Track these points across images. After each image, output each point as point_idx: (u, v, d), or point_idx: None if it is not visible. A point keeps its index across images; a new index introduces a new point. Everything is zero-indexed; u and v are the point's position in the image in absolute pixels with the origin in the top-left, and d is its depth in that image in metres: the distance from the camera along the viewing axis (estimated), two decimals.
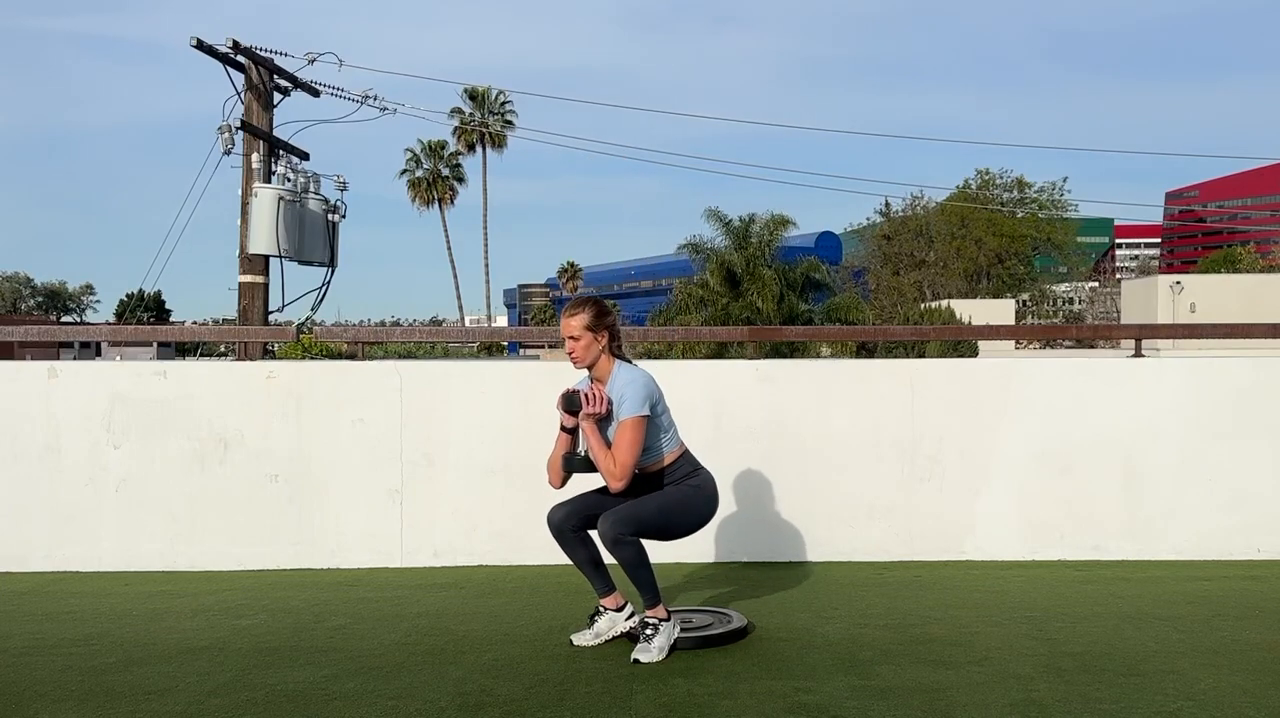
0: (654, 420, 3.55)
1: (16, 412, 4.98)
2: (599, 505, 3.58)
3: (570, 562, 3.70)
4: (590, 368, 3.62)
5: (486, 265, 61.17)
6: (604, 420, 3.56)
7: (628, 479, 3.49)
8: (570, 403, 3.56)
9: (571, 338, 3.57)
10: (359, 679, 3.31)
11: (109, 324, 41.11)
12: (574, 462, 3.61)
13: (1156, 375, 5.08)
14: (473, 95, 55.43)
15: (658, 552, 3.72)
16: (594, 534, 3.65)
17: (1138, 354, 5.19)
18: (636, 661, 3.43)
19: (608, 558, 3.66)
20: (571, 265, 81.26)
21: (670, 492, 3.61)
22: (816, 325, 24.69)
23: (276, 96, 12.72)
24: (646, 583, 3.54)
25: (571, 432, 3.63)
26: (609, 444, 3.53)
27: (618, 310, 4.15)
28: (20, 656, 3.61)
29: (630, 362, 3.69)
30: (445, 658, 3.52)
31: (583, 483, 3.70)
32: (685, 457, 3.69)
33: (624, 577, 3.64)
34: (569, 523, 3.62)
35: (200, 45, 11.52)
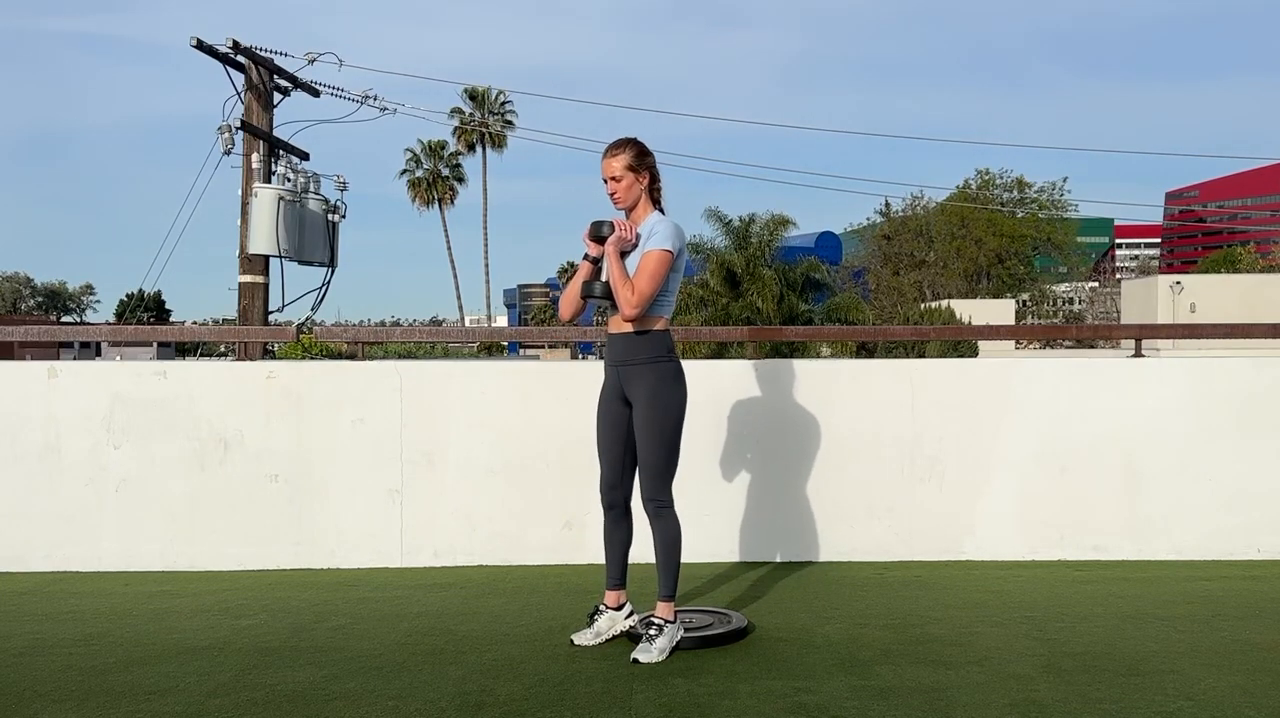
0: (670, 274, 3.55)
1: (16, 412, 4.98)
2: (625, 464, 3.64)
3: (603, 540, 3.73)
4: (630, 211, 3.62)
5: (486, 265, 61.23)
6: (627, 255, 3.56)
7: (643, 308, 3.49)
8: (598, 229, 3.56)
9: (613, 178, 3.57)
10: (359, 679, 3.31)
11: (109, 324, 41.11)
12: (594, 288, 3.59)
13: (1156, 375, 5.08)
14: (473, 95, 55.45)
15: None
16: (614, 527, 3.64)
17: (1138, 354, 5.19)
18: (636, 661, 3.43)
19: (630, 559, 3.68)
20: (572, 265, 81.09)
21: (654, 421, 3.54)
22: (816, 325, 24.69)
23: (276, 96, 12.72)
24: (671, 572, 3.57)
25: (594, 262, 3.64)
26: (629, 276, 3.53)
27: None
28: (20, 656, 3.61)
29: (664, 213, 3.67)
30: (445, 658, 3.52)
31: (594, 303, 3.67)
32: (669, 332, 3.66)
33: (636, 576, 3.66)
34: (620, 493, 3.66)
35: (200, 45, 11.52)
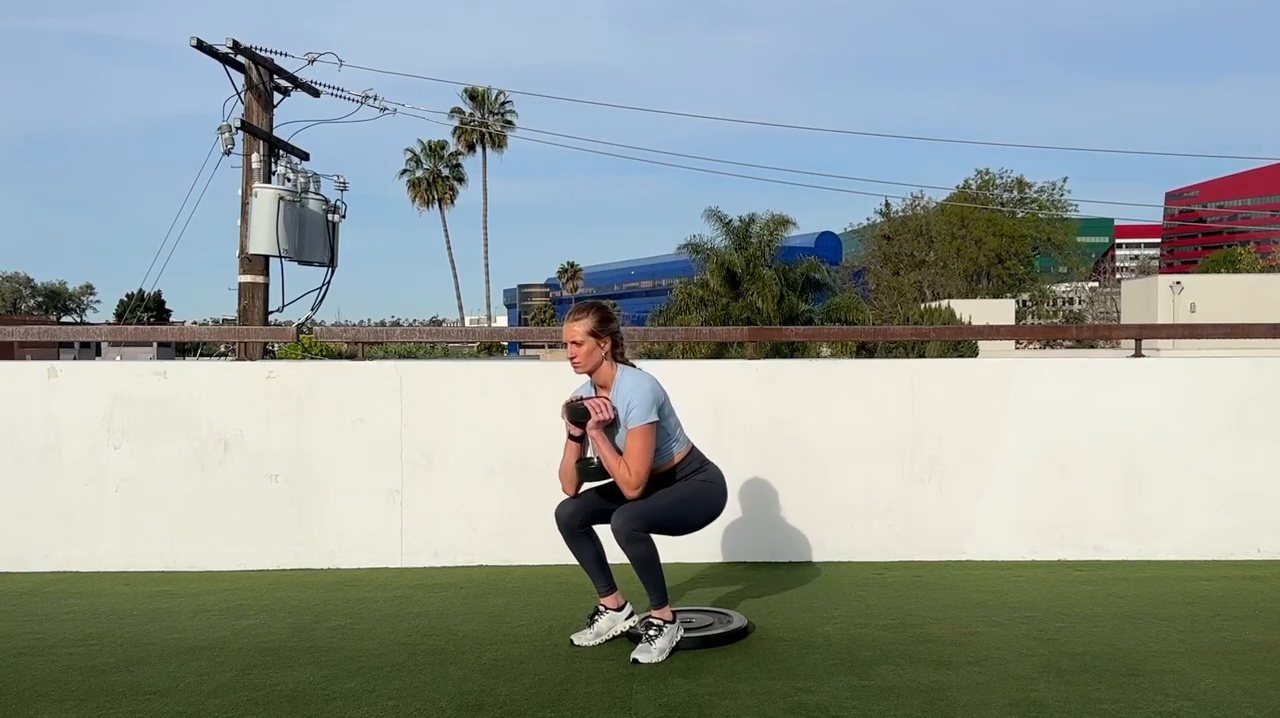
0: (661, 424, 3.55)
1: (16, 412, 4.98)
2: (608, 503, 3.59)
3: (574, 559, 3.71)
4: (592, 373, 3.61)
5: (486, 265, 61.23)
6: (610, 426, 3.56)
7: (643, 486, 3.50)
8: (576, 414, 3.55)
9: (574, 343, 3.56)
10: (359, 679, 3.31)
11: (109, 324, 41.12)
12: (589, 470, 3.60)
13: (1156, 375, 5.08)
14: (473, 95, 55.44)
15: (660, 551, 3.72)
16: (598, 531, 3.66)
17: (1138, 354, 5.19)
18: (636, 661, 3.43)
19: (610, 559, 3.68)
20: (571, 265, 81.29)
21: (681, 487, 3.61)
22: (816, 325, 24.69)
23: (276, 96, 12.71)
24: (656, 583, 3.55)
25: (579, 439, 3.63)
26: (619, 450, 3.53)
27: (618, 311, 4.14)
28: (20, 656, 3.61)
29: (633, 365, 3.68)
30: (445, 658, 3.52)
31: (594, 482, 3.69)
32: (693, 454, 3.69)
33: (628, 577, 3.65)
34: (577, 519, 3.63)
35: (200, 45, 11.51)
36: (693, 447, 3.71)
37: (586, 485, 3.69)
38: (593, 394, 3.64)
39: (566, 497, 3.69)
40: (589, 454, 3.63)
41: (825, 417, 5.03)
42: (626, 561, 3.51)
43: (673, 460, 3.62)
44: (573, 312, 3.62)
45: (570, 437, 3.64)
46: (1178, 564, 4.91)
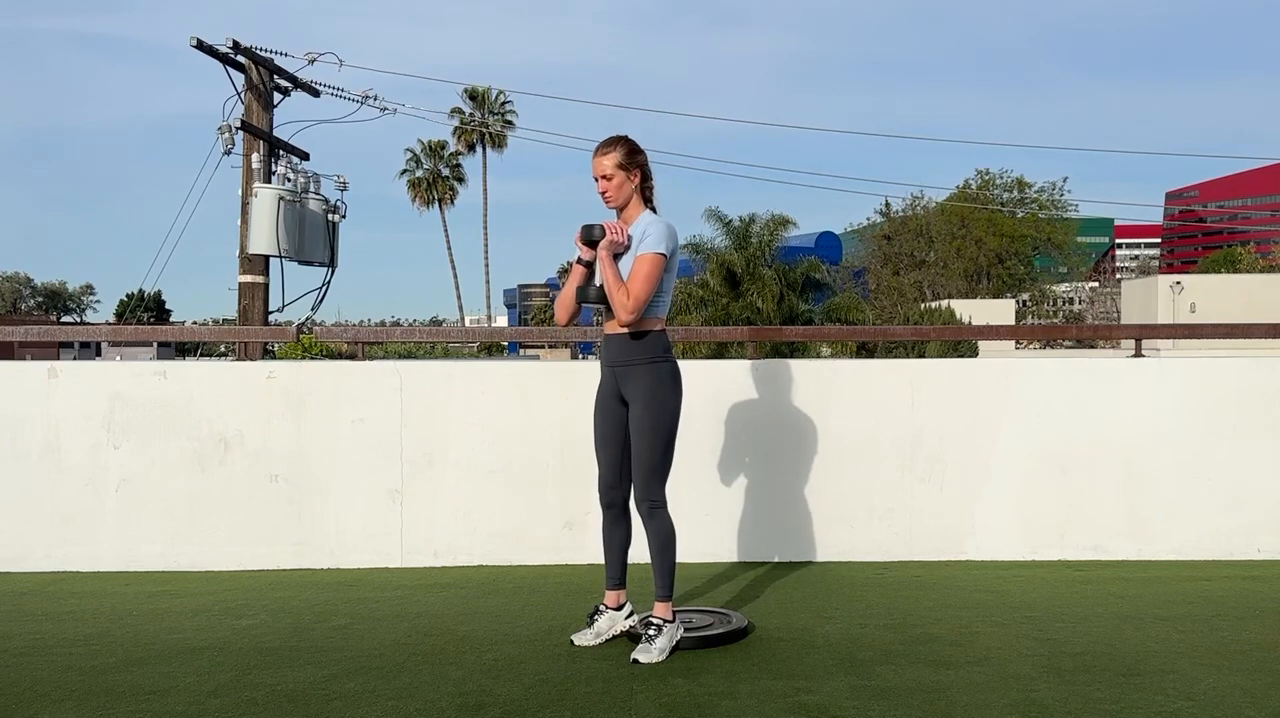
0: (664, 275, 3.54)
1: (16, 412, 4.98)
2: (623, 465, 3.63)
3: (603, 541, 3.73)
4: (621, 210, 3.61)
5: (486, 265, 61.24)
6: (620, 257, 3.55)
7: (638, 313, 3.48)
8: (589, 233, 3.54)
9: (604, 177, 3.55)
10: (359, 679, 3.31)
11: (109, 324, 41.11)
12: (588, 293, 3.58)
13: (1156, 375, 5.08)
14: (473, 95, 55.46)
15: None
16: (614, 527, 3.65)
17: (1138, 354, 5.19)
18: (636, 661, 3.43)
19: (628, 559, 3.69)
20: (570, 265, 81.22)
21: (650, 420, 3.54)
22: (816, 325, 24.69)
23: (276, 96, 12.71)
24: (667, 571, 3.57)
25: (588, 265, 3.62)
26: (623, 279, 3.51)
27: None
28: (20, 656, 3.61)
29: (656, 213, 3.66)
30: (445, 658, 3.52)
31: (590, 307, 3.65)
32: (665, 331, 3.65)
33: (635, 577, 3.65)
34: (619, 493, 3.66)
35: (200, 45, 11.51)
36: (665, 327, 3.68)
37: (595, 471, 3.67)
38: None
39: (607, 475, 3.68)
40: (595, 281, 3.60)
41: (825, 417, 5.03)
42: (641, 561, 3.50)
43: (658, 322, 3.59)
44: (601, 145, 3.59)
45: (579, 260, 3.63)
46: (1178, 564, 4.91)
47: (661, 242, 3.50)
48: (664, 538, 3.57)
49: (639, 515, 3.60)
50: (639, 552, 3.84)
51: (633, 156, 3.58)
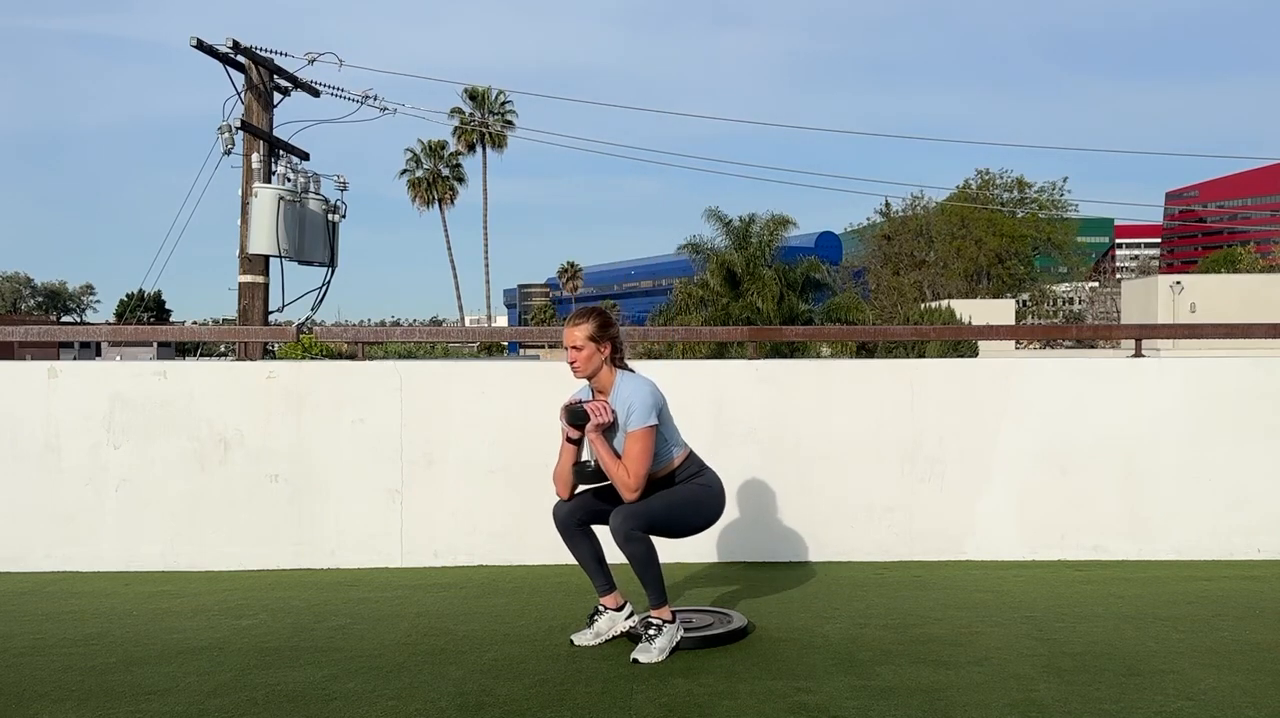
0: (660, 428, 3.55)
1: (16, 412, 4.98)
2: (605, 502, 3.60)
3: (573, 558, 3.71)
4: (591, 378, 3.62)
5: (486, 265, 61.23)
6: (608, 430, 3.56)
7: (642, 489, 3.50)
8: (575, 417, 3.55)
9: (574, 348, 3.56)
10: (359, 679, 3.31)
11: (109, 324, 41.11)
12: (585, 473, 3.60)
13: (1156, 375, 5.08)
14: (473, 95, 55.45)
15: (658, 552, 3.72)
16: (597, 530, 3.66)
17: (1138, 354, 5.19)
18: (636, 661, 3.43)
19: (610, 558, 3.68)
20: (571, 265, 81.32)
21: (679, 489, 3.62)
22: (816, 325, 24.68)
23: (276, 96, 12.71)
24: (654, 582, 3.55)
25: (576, 443, 3.63)
26: (617, 454, 3.52)
27: (618, 313, 4.11)
28: (20, 656, 3.61)
29: (631, 370, 3.68)
30: (445, 658, 3.52)
31: (589, 485, 3.69)
32: (692, 458, 3.70)
33: (627, 577, 3.65)
34: (574, 518, 3.63)
35: (200, 45, 11.51)
36: (690, 451, 3.71)
37: (581, 488, 3.69)
38: (591, 398, 3.64)
39: (562, 499, 3.68)
40: (585, 458, 3.62)
41: (825, 417, 5.03)
42: (625, 560, 3.51)
43: (672, 464, 3.63)
44: (573, 316, 3.63)
45: (568, 439, 3.63)
46: (1178, 564, 4.91)
47: (648, 413, 3.49)
48: (643, 558, 3.51)
49: (612, 538, 3.51)
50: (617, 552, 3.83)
51: (604, 330, 3.58)
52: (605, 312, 3.66)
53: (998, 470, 5.03)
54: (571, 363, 3.59)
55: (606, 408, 3.53)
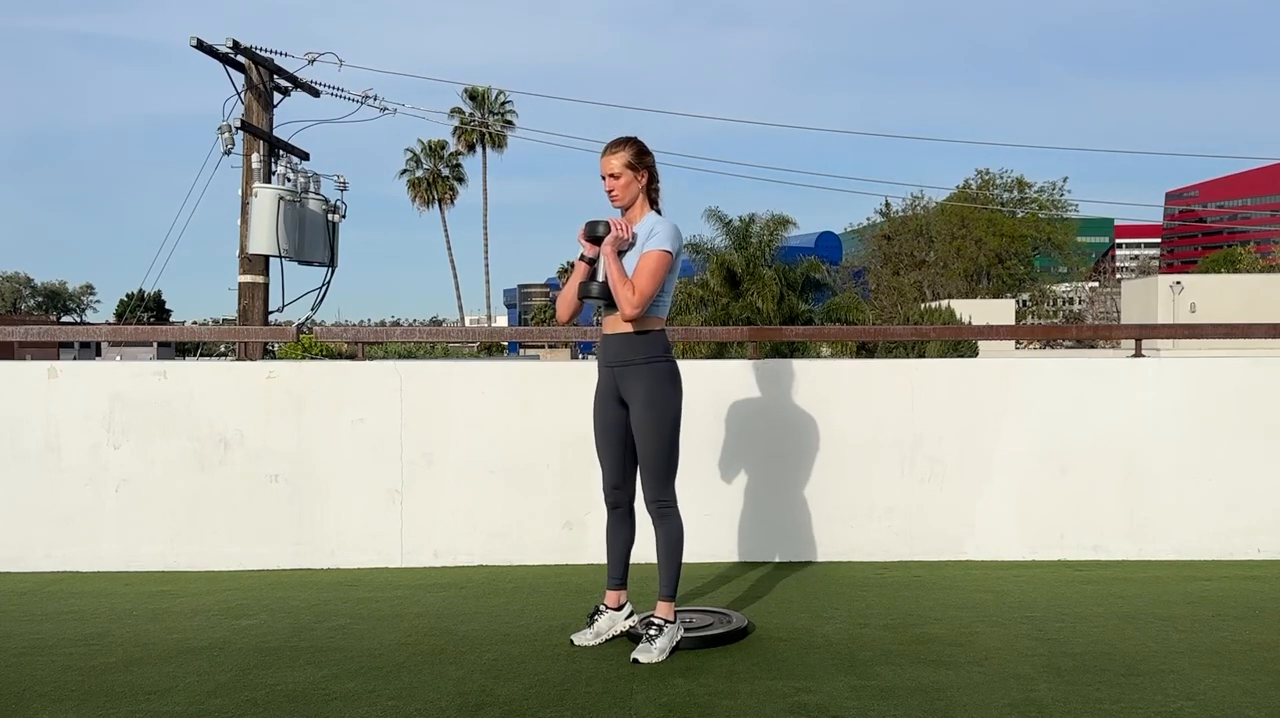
0: (667, 276, 3.54)
1: (16, 412, 4.98)
2: (626, 465, 3.64)
3: (606, 541, 3.73)
4: (626, 210, 3.62)
5: (486, 265, 61.27)
6: (624, 254, 3.55)
7: (643, 308, 3.48)
8: (594, 229, 3.54)
9: (612, 175, 3.56)
10: (359, 679, 3.31)
11: (109, 324, 41.10)
12: (591, 288, 3.58)
13: (1156, 375, 5.08)
14: (473, 95, 55.46)
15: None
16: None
17: (1138, 354, 5.19)
18: (636, 661, 3.43)
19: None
20: (572, 265, 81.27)
21: (653, 421, 3.54)
22: (816, 325, 24.68)
23: (276, 96, 12.72)
24: (673, 572, 3.58)
25: (590, 262, 3.63)
26: (627, 276, 3.51)
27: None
28: (20, 656, 3.61)
29: (661, 214, 3.66)
30: (445, 658, 3.52)
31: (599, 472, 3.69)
32: (665, 331, 3.66)
33: (637, 576, 3.65)
34: (624, 494, 3.66)
35: (200, 45, 11.52)
36: (665, 326, 3.68)
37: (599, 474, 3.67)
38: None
39: (611, 476, 3.68)
40: (598, 276, 3.60)
41: (825, 417, 5.03)
42: (644, 560, 3.50)
43: (660, 322, 3.60)
44: (610, 145, 3.61)
45: (582, 257, 3.64)
46: (1178, 564, 4.91)
47: (668, 240, 3.51)
48: (673, 539, 3.58)
49: (648, 516, 3.60)
50: (640, 552, 3.85)
51: (641, 157, 3.59)
52: (641, 140, 3.65)
53: (998, 470, 5.03)
54: (609, 191, 3.59)
55: (628, 227, 3.55)
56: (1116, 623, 3.90)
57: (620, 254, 3.55)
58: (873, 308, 36.56)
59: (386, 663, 3.47)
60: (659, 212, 3.66)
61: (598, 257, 3.59)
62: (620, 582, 3.73)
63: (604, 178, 3.60)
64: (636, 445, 3.58)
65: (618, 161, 3.56)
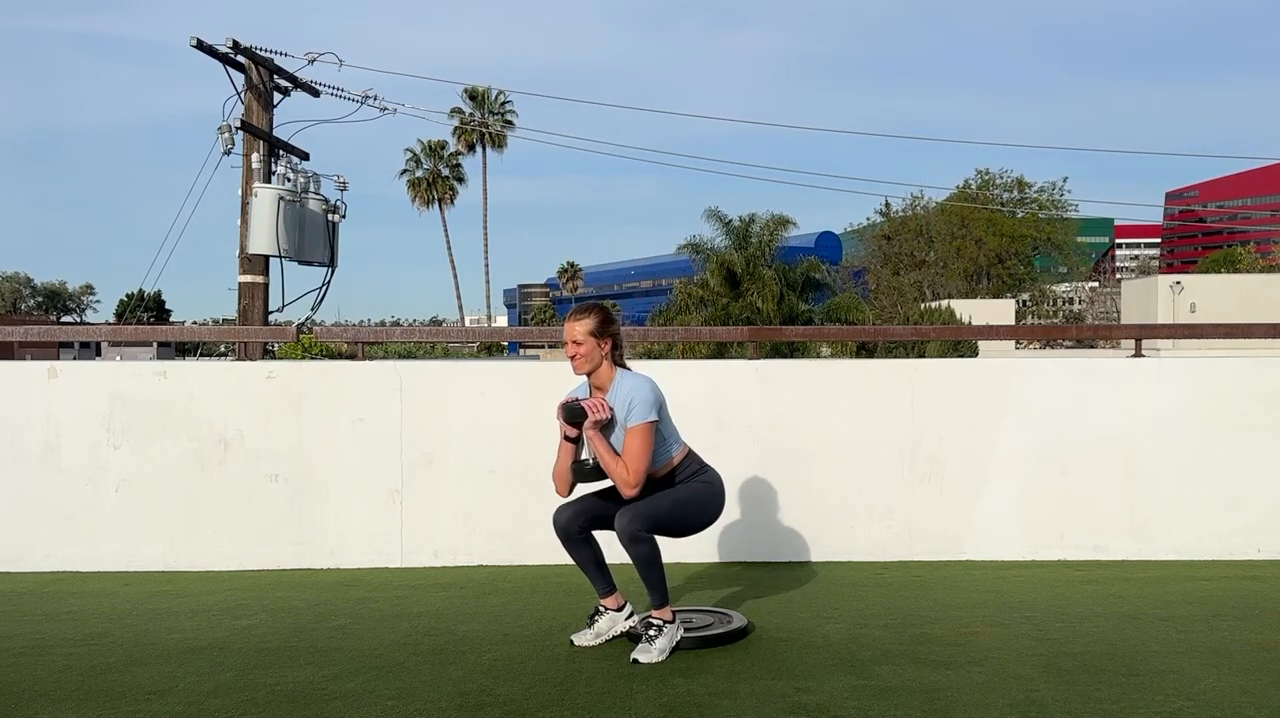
0: (659, 426, 3.55)
1: (16, 412, 4.98)
2: (605, 507, 3.59)
3: (573, 562, 3.70)
4: (590, 375, 3.62)
5: (486, 265, 61.23)
6: (606, 427, 3.55)
7: (641, 486, 3.50)
8: (572, 414, 3.54)
9: (575, 343, 3.56)
10: (359, 679, 3.31)
11: (109, 324, 41.10)
12: (584, 471, 3.59)
13: (1156, 375, 5.08)
14: (473, 95, 55.44)
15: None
16: (597, 535, 3.66)
17: (1138, 354, 5.19)
18: (636, 661, 3.43)
19: (610, 559, 3.68)
20: (571, 265, 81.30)
21: (682, 488, 3.62)
22: (816, 325, 24.68)
23: (276, 96, 12.71)
24: (657, 583, 3.55)
25: (574, 441, 3.62)
26: (616, 451, 3.52)
27: (619, 312, 4.12)
28: (20, 656, 3.61)
29: (629, 369, 3.68)
30: (445, 658, 3.52)
31: (588, 484, 3.69)
32: (691, 456, 3.70)
33: (628, 577, 3.65)
34: (575, 524, 3.62)
35: (200, 45, 11.51)
36: (690, 449, 3.71)
37: (581, 488, 3.69)
38: (589, 396, 3.64)
39: (563, 502, 3.68)
40: (584, 456, 3.62)
41: (825, 417, 5.03)
42: (626, 561, 3.52)
43: (671, 463, 3.63)
44: (574, 312, 3.63)
45: (565, 438, 3.63)
46: (1178, 564, 4.91)
47: (649, 409, 3.49)
48: (648, 558, 3.51)
49: (618, 540, 3.51)
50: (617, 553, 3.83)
51: (605, 326, 3.58)
52: (606, 308, 3.66)
53: (998, 470, 5.03)
54: (572, 358, 3.58)
55: (604, 404, 3.53)
56: (1116, 623, 3.90)
57: (602, 428, 3.55)
58: (873, 308, 36.55)
59: (386, 663, 3.47)
60: (627, 365, 3.67)
61: (580, 434, 3.59)
62: (609, 587, 3.72)
63: (567, 343, 3.59)
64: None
65: (581, 329, 3.55)
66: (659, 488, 3.59)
